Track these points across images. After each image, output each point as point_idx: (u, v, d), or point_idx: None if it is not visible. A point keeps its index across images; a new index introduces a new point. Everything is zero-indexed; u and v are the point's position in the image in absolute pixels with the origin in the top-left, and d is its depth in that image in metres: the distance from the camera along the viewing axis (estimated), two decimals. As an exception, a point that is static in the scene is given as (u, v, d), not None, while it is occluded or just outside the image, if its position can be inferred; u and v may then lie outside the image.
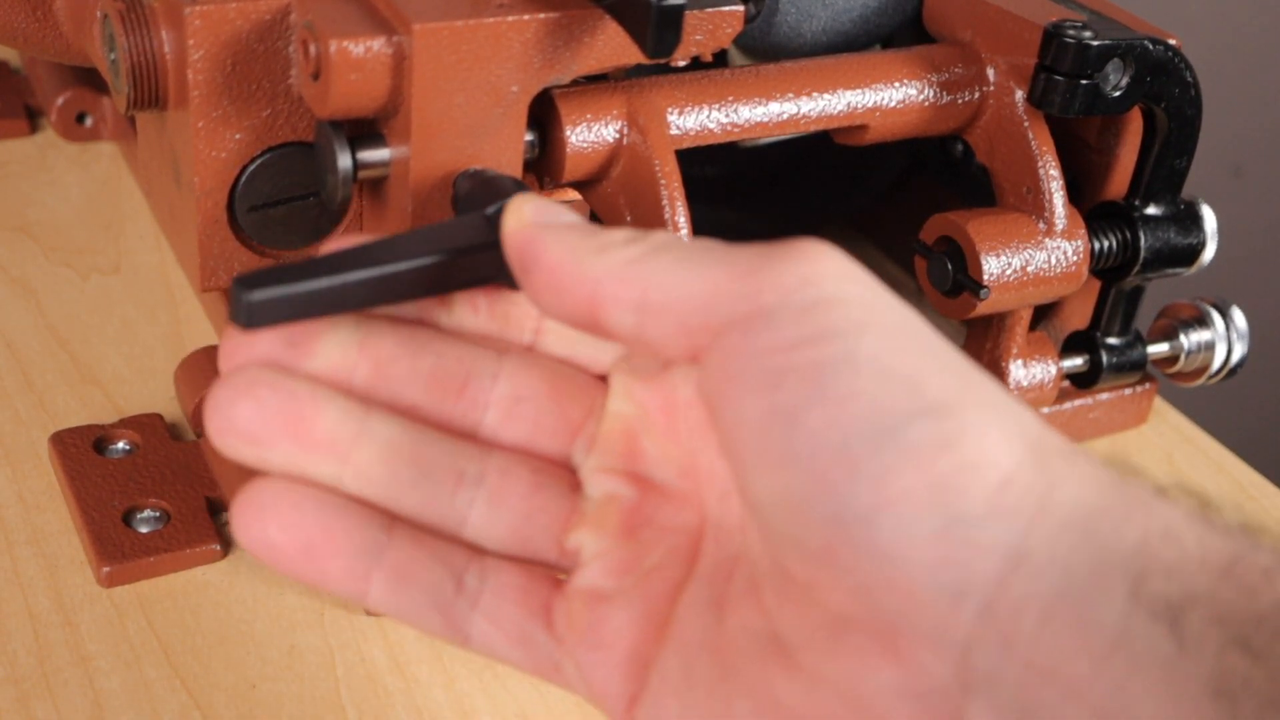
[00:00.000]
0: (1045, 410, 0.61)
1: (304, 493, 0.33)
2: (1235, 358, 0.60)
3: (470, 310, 0.36)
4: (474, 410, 0.35)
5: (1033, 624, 0.27)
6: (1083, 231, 0.55)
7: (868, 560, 0.28)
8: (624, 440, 0.35)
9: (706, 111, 0.50)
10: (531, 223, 0.33)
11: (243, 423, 0.33)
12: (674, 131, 0.49)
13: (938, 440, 0.28)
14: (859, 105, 0.52)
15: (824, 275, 0.30)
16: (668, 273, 0.31)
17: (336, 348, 0.34)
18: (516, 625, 0.35)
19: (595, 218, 0.52)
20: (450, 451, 0.35)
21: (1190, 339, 0.60)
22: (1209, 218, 0.58)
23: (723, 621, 0.33)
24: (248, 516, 0.33)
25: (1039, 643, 0.27)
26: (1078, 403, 0.62)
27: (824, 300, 0.30)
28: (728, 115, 0.50)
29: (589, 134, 0.48)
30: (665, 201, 0.47)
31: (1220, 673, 0.26)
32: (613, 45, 0.45)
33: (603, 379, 0.36)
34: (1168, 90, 0.54)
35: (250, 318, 0.33)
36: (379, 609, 0.35)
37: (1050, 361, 0.58)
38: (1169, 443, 0.64)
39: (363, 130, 0.45)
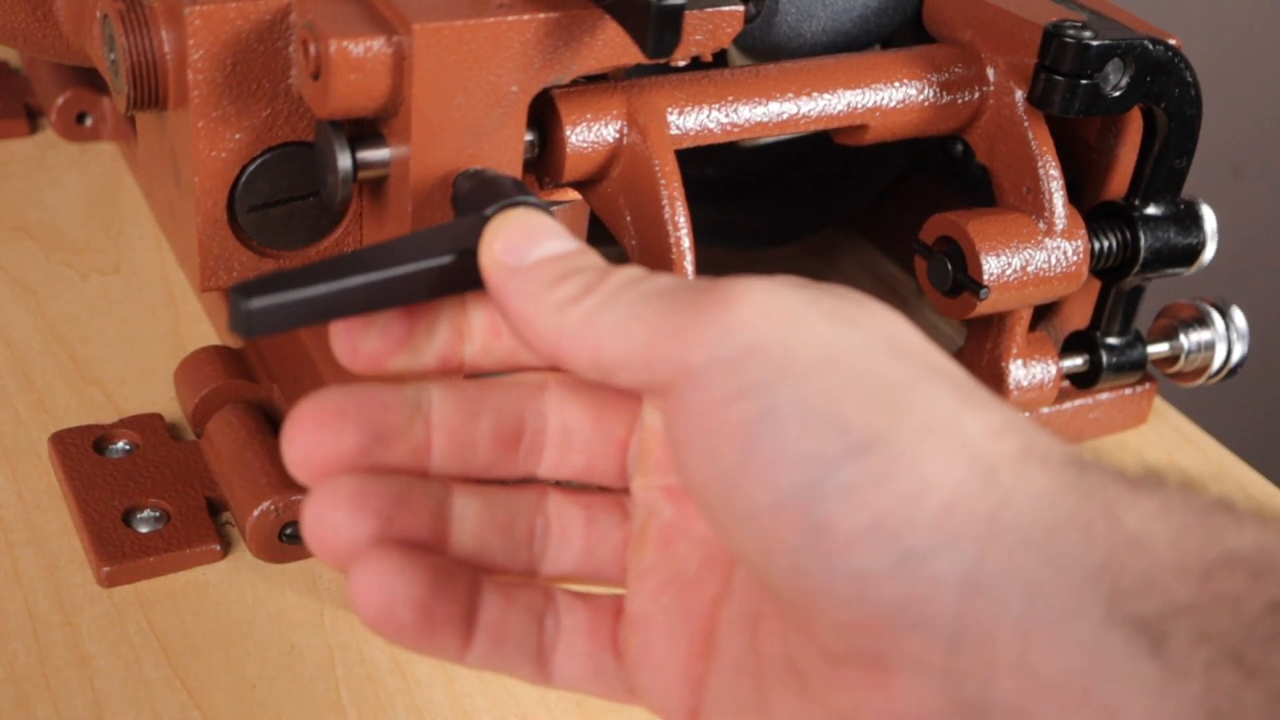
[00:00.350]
0: (1045, 410, 0.61)
1: (413, 564, 0.33)
2: (1235, 358, 0.60)
3: (493, 336, 0.36)
4: (533, 456, 0.36)
5: (1011, 649, 0.27)
6: (1083, 231, 0.55)
7: (834, 607, 0.28)
8: (658, 452, 0.35)
9: (706, 111, 0.50)
10: (499, 264, 0.34)
11: (344, 539, 0.33)
12: (674, 131, 0.49)
13: (870, 477, 0.28)
14: (859, 105, 0.52)
15: (744, 322, 0.30)
16: (612, 332, 0.32)
17: (414, 430, 0.34)
18: (591, 658, 0.36)
19: (595, 218, 0.52)
20: (522, 506, 0.36)
21: (1190, 339, 0.60)
22: (1209, 218, 0.58)
23: (756, 642, 0.33)
24: (366, 590, 0.33)
25: (1024, 667, 0.27)
26: (1078, 403, 0.62)
27: (744, 351, 0.30)
28: (728, 115, 0.50)
29: (589, 134, 0.48)
30: (665, 201, 0.47)
31: (1212, 692, 0.25)
32: (613, 45, 0.45)
33: None
34: (1168, 90, 0.54)
35: (249, 326, 0.33)
36: (476, 665, 0.35)
37: (1050, 361, 0.58)
38: (1169, 443, 0.64)
39: (363, 130, 0.45)
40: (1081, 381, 0.61)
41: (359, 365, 0.35)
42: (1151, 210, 0.57)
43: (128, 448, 0.54)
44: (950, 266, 0.54)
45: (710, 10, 0.46)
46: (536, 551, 0.36)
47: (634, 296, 0.32)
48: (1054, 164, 0.54)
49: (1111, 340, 0.60)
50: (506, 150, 0.45)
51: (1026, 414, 0.31)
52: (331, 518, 0.33)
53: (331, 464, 0.33)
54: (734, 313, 0.31)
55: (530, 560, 0.36)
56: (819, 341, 0.30)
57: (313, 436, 0.33)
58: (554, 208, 0.52)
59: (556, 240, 0.34)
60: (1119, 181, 0.58)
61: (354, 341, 0.35)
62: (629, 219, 0.49)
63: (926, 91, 0.54)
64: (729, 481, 0.29)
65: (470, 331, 0.36)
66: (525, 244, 0.34)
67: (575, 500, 0.36)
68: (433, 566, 0.33)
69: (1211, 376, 0.61)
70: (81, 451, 0.54)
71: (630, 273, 0.33)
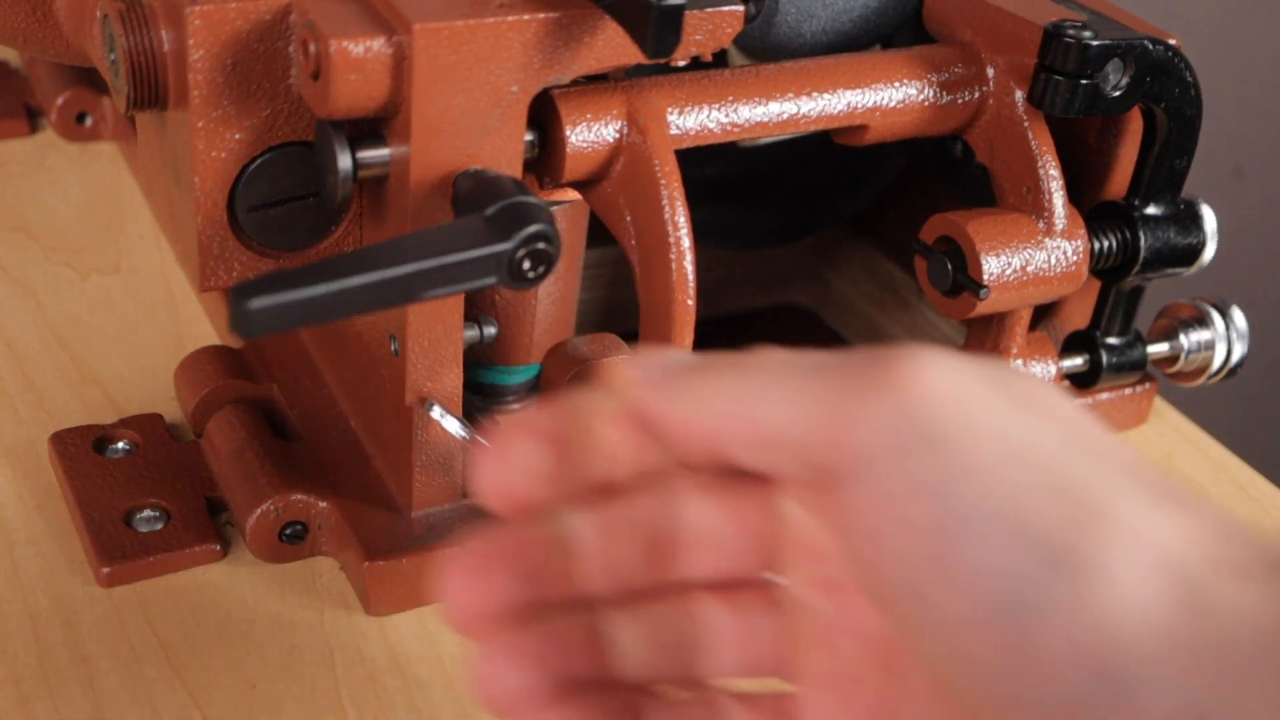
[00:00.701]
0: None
1: (586, 712, 0.33)
2: (1235, 358, 0.60)
3: (618, 432, 0.33)
4: (676, 561, 0.34)
5: None
6: (1083, 231, 0.55)
7: None
8: (806, 544, 0.33)
9: (706, 111, 0.50)
10: (633, 382, 0.32)
11: (513, 692, 0.32)
12: (674, 131, 0.49)
13: (1066, 594, 0.26)
14: (859, 105, 0.52)
15: (919, 405, 0.28)
16: (770, 407, 0.29)
17: (562, 563, 0.33)
18: None
19: (595, 218, 0.52)
20: (672, 614, 0.34)
21: (1190, 339, 0.60)
22: (1209, 218, 0.58)
23: None
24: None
25: None
26: (1078, 403, 0.62)
27: (921, 439, 0.27)
28: (728, 115, 0.50)
29: (589, 134, 0.48)
30: (665, 201, 0.47)
31: None
32: (613, 45, 0.45)
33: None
34: (1168, 90, 0.54)
35: (249, 326, 0.33)
36: None
37: (1050, 361, 0.58)
38: (1169, 443, 0.64)
39: (363, 130, 0.45)
40: (1081, 381, 0.61)
41: (501, 502, 0.33)
42: (1151, 210, 0.57)
43: (128, 448, 0.54)
44: (950, 266, 0.54)
45: (710, 10, 0.46)
46: (693, 657, 0.34)
47: (786, 369, 0.30)
48: (1054, 164, 0.54)
49: (1111, 340, 0.60)
50: (506, 150, 0.45)
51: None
52: (499, 676, 0.32)
53: (490, 615, 0.32)
54: (905, 392, 0.28)
55: (687, 667, 0.34)
56: (1003, 432, 0.28)
57: (468, 589, 0.32)
58: (554, 208, 0.52)
59: (678, 354, 0.33)
60: (1119, 181, 0.58)
61: (497, 479, 0.33)
62: (629, 219, 0.49)
63: (926, 91, 0.54)
64: (915, 588, 0.28)
65: (599, 446, 0.33)
66: (651, 361, 0.32)
67: (723, 598, 0.34)
68: (604, 707, 0.33)
69: (1211, 376, 0.61)
70: (81, 451, 0.54)
71: (776, 352, 0.31)
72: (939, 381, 0.28)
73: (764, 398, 0.30)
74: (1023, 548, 0.27)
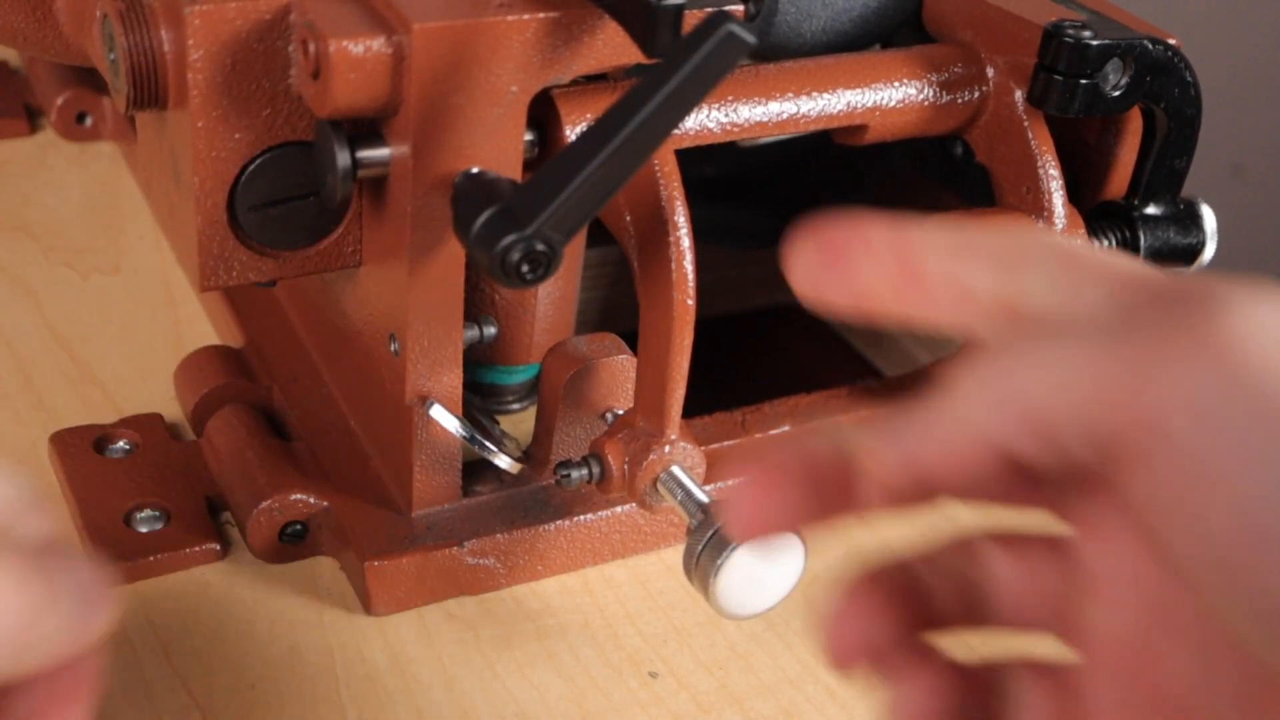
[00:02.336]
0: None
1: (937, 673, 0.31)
2: (1235, 358, 0.60)
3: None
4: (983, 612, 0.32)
5: None
6: (1082, 231, 0.55)
7: None
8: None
9: (706, 111, 0.50)
10: (883, 447, 0.29)
11: (871, 649, 0.31)
12: (674, 131, 0.49)
13: None
14: (859, 105, 0.52)
15: (1243, 357, 0.24)
16: (1048, 377, 0.26)
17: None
18: None
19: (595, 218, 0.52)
20: (968, 563, 0.32)
21: (1190, 339, 0.60)
22: (1209, 218, 0.58)
23: None
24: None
25: None
26: None
27: (1240, 413, 0.24)
28: (728, 115, 0.50)
29: (589, 134, 0.47)
30: (665, 201, 0.47)
31: None
32: (613, 45, 0.45)
33: None
34: (1168, 90, 0.54)
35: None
36: None
37: (1050, 361, 0.58)
38: (1169, 443, 0.64)
39: (363, 130, 0.45)
40: (1081, 381, 0.61)
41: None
42: (1151, 210, 0.57)
43: (128, 448, 0.54)
44: (950, 266, 0.53)
45: (710, 10, 0.46)
46: (977, 604, 0.32)
47: (1063, 336, 0.26)
48: (1054, 164, 0.54)
49: (1111, 340, 0.60)
50: (506, 150, 0.45)
51: None
52: (853, 628, 0.31)
53: (871, 652, 0.31)
54: (1220, 353, 0.24)
55: (973, 614, 0.32)
56: None
57: (853, 627, 0.31)
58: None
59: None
60: (1119, 181, 0.58)
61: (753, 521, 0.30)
62: (629, 219, 0.49)
63: (926, 91, 0.54)
64: (1231, 572, 0.24)
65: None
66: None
67: (1007, 550, 0.32)
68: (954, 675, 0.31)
69: (1211, 376, 0.61)
70: (81, 451, 0.54)
71: (1049, 318, 0.27)
72: (1258, 335, 0.24)
73: (1044, 388, 0.26)
74: None
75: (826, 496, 0.29)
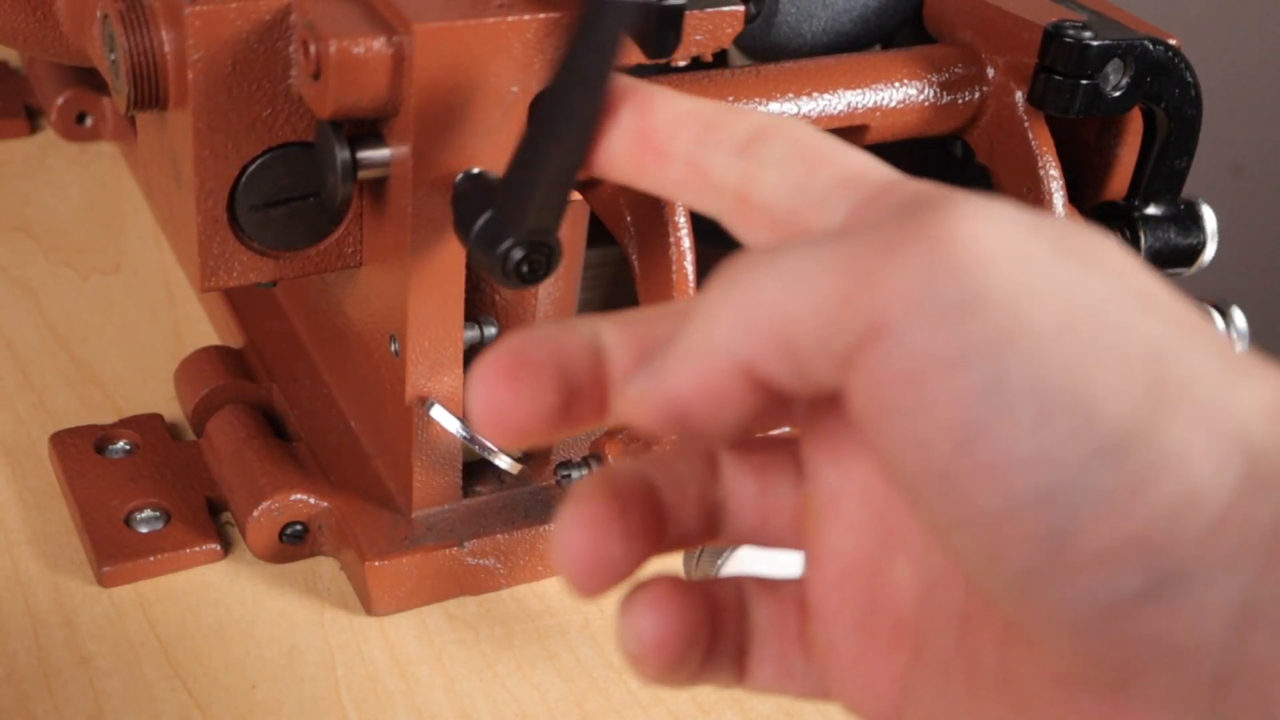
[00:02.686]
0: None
1: (680, 596, 0.31)
2: (1235, 358, 0.60)
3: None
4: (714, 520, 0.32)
5: None
6: (1083, 231, 0.55)
7: (1071, 632, 0.24)
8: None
9: (706, 111, 0.50)
10: (635, 394, 0.28)
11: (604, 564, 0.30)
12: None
13: (1126, 484, 0.22)
14: (859, 105, 0.52)
15: (959, 264, 0.23)
16: (793, 288, 0.25)
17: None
18: (781, 659, 0.31)
19: (595, 218, 0.52)
20: (697, 477, 0.32)
21: (1190, 339, 0.60)
22: (1209, 218, 0.58)
23: (966, 644, 0.28)
24: (642, 627, 0.31)
25: None
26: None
27: (958, 304, 0.23)
28: (728, 115, 0.50)
29: (589, 134, 0.47)
30: (665, 201, 0.47)
31: None
32: (613, 45, 0.45)
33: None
34: (1168, 90, 0.54)
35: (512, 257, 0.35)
36: (691, 683, 0.32)
37: (1050, 361, 0.58)
38: (1169, 443, 0.64)
39: (363, 130, 0.45)
40: (1081, 381, 0.61)
41: (506, 436, 0.30)
42: (1151, 210, 0.57)
43: (128, 448, 0.54)
44: (950, 266, 0.54)
45: (710, 10, 0.46)
46: (718, 519, 0.32)
47: (805, 256, 0.25)
48: (1054, 164, 0.54)
49: (1111, 340, 0.60)
50: (506, 150, 0.45)
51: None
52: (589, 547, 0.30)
53: (526, 424, 0.29)
54: (941, 247, 0.24)
55: (713, 528, 0.32)
56: (1056, 293, 0.23)
57: (506, 392, 0.29)
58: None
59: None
60: (1119, 181, 0.58)
61: (500, 411, 0.29)
62: (629, 219, 0.49)
63: (926, 91, 0.54)
64: (943, 476, 0.24)
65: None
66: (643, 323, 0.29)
67: (747, 464, 0.31)
68: (691, 595, 0.31)
69: (1211, 376, 0.61)
70: (81, 451, 0.54)
71: (797, 245, 0.26)
72: (984, 234, 0.24)
73: (784, 296, 0.25)
74: (1077, 430, 0.23)
75: (577, 400, 0.29)
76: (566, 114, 0.34)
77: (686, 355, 0.27)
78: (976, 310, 0.23)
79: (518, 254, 0.40)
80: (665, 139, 0.30)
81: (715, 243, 0.70)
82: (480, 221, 0.40)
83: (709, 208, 0.30)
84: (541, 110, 0.34)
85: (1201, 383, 0.23)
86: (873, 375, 0.24)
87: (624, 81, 0.32)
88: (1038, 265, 0.24)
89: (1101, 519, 0.22)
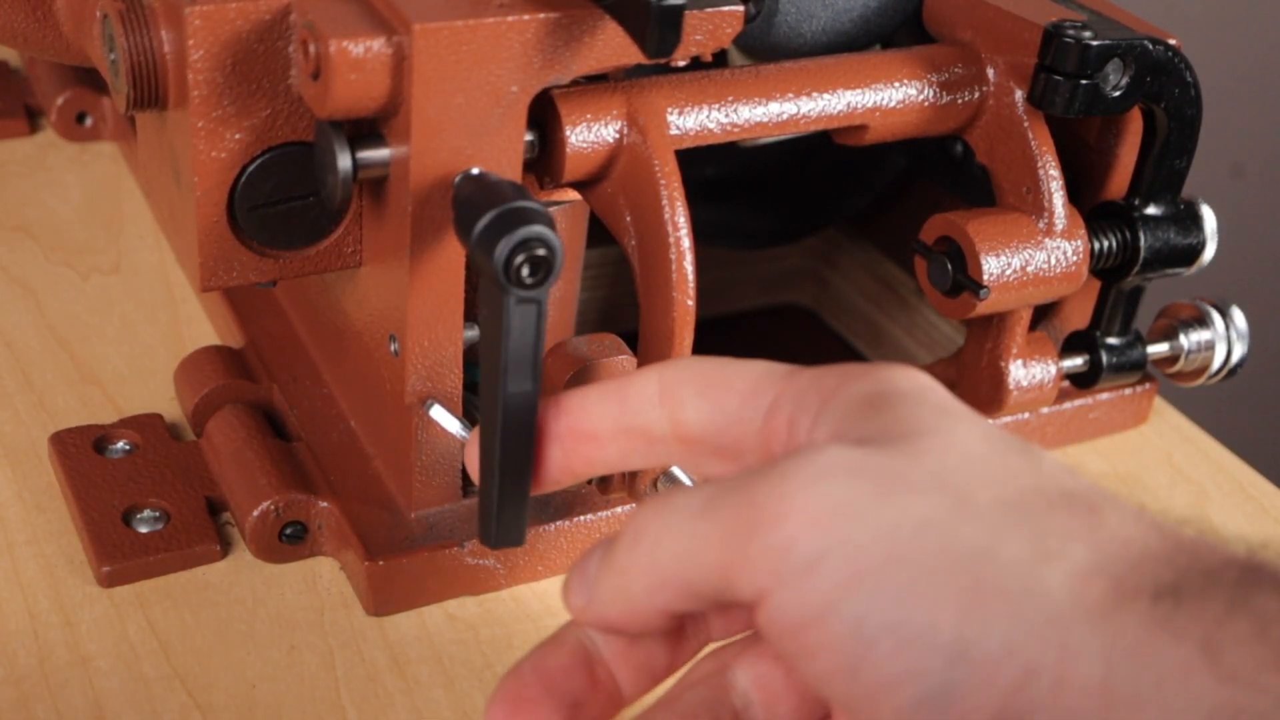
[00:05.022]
0: (1045, 410, 0.61)
1: None
2: (1235, 358, 0.60)
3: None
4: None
5: None
6: (1083, 231, 0.55)
7: None
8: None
9: (706, 111, 0.50)
10: (578, 607, 0.34)
11: None
12: (674, 131, 0.49)
13: (979, 678, 0.28)
14: (859, 105, 0.52)
15: (798, 536, 0.29)
16: (678, 559, 0.32)
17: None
18: None
19: (595, 218, 0.52)
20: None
21: (1190, 339, 0.60)
22: (1209, 218, 0.58)
23: None
24: None
25: None
26: (1078, 403, 0.62)
27: (807, 568, 0.29)
28: (728, 115, 0.50)
29: (589, 134, 0.48)
30: (665, 201, 0.47)
31: None
32: (613, 45, 0.45)
33: None
34: (1168, 90, 0.54)
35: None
36: None
37: (1050, 361, 0.58)
38: (1169, 443, 0.64)
39: (363, 130, 0.45)
40: (1081, 381, 0.61)
41: None
42: (1151, 210, 0.57)
43: (128, 448, 0.54)
44: (950, 266, 0.54)
45: (710, 10, 0.46)
46: None
47: (676, 520, 0.32)
48: (1054, 164, 0.54)
49: (1111, 340, 0.60)
50: (506, 150, 0.45)
51: (1124, 507, 0.31)
52: None
53: None
54: (785, 526, 0.29)
55: None
56: (878, 534, 0.29)
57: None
58: (554, 208, 0.52)
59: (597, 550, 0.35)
60: (1119, 181, 0.58)
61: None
62: (629, 219, 0.49)
63: (926, 91, 0.54)
64: (844, 698, 0.29)
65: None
66: (582, 574, 0.35)
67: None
68: None
69: (1211, 376, 0.61)
70: (81, 451, 0.54)
71: (671, 500, 0.32)
72: (814, 503, 0.29)
73: (680, 562, 0.31)
74: (928, 649, 0.28)
75: (584, 707, 0.34)
76: (508, 435, 0.39)
77: (611, 599, 0.33)
78: (821, 568, 0.29)
79: (519, 257, 0.40)
80: (592, 425, 0.36)
81: (715, 243, 0.70)
82: (482, 223, 0.40)
83: (658, 461, 0.36)
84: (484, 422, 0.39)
85: (1013, 576, 0.28)
86: (765, 629, 0.30)
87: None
88: (861, 513, 0.29)
89: (971, 707, 0.27)
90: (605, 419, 0.36)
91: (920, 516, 0.29)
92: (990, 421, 0.33)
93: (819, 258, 0.77)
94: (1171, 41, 0.53)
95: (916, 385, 0.33)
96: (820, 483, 0.30)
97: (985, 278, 0.53)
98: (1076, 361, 0.60)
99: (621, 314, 0.72)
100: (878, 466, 0.30)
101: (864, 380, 0.33)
